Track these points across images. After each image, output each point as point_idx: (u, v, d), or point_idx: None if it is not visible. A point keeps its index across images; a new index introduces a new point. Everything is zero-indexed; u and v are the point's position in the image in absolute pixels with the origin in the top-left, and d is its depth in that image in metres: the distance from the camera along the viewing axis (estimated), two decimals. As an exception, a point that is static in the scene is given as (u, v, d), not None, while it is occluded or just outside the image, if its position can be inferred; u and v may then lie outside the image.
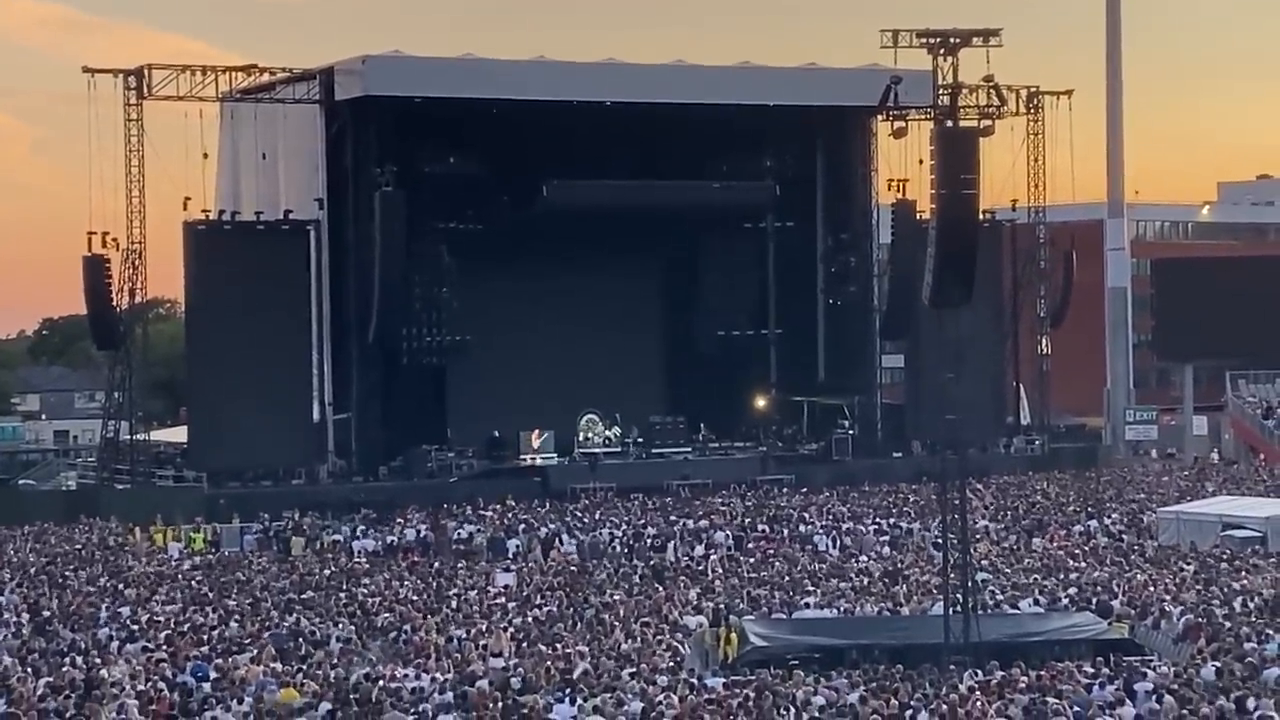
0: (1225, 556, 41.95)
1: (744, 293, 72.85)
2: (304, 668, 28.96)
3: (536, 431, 65.19)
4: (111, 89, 61.39)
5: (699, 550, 47.62)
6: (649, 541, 49.48)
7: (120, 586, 40.65)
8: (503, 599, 38.27)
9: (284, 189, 64.21)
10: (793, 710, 24.73)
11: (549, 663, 28.77)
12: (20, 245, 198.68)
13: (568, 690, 25.91)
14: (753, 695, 25.40)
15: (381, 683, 26.61)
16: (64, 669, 28.32)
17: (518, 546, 49.43)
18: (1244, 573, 38.97)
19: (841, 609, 35.99)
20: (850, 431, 69.03)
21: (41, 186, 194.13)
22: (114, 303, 62.41)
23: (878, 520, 52.78)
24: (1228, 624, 31.81)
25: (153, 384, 75.64)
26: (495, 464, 64.44)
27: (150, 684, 26.91)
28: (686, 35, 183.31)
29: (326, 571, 43.79)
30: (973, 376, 36.96)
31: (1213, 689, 25.44)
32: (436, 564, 46.03)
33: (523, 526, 52.71)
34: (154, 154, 61.83)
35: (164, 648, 30.84)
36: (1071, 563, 42.39)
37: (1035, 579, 39.48)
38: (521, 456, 64.84)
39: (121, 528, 54.50)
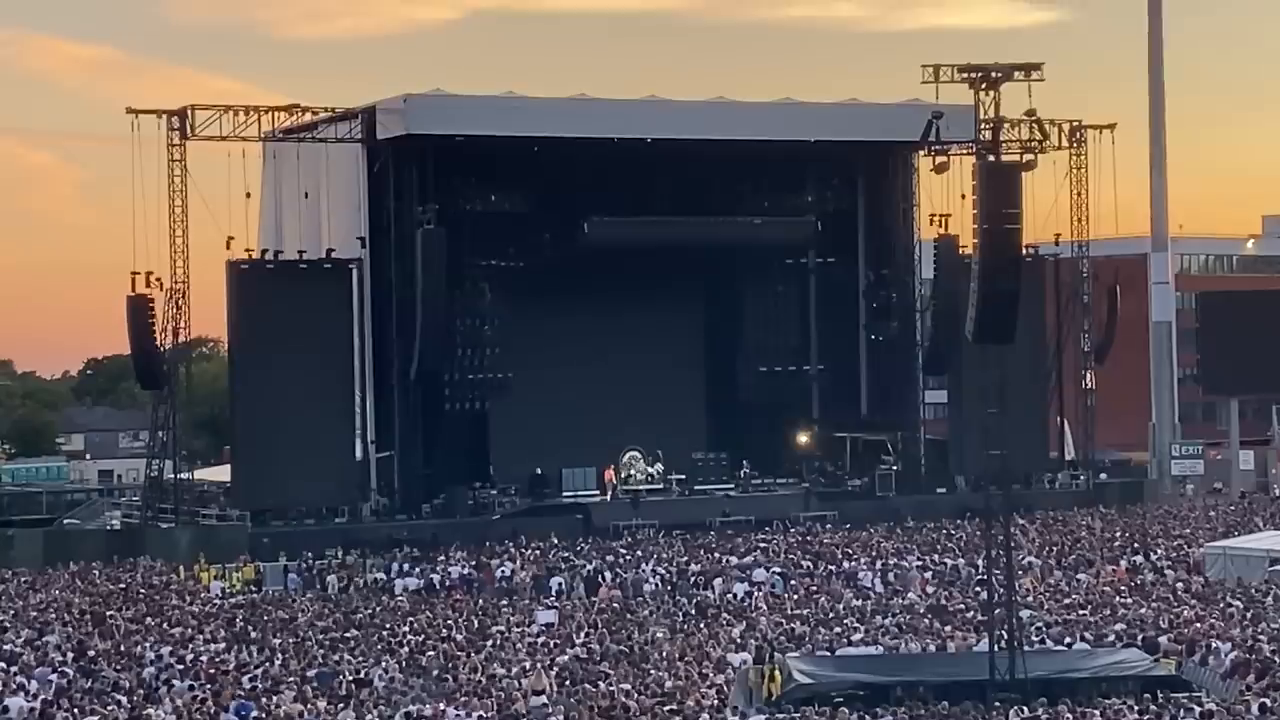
0: (1273, 592, 41.58)
1: (786, 328, 72.80)
2: (348, 707, 28.89)
3: (611, 468, 64.96)
4: (155, 130, 61.60)
5: (742, 587, 47.44)
6: (692, 579, 49.32)
7: (164, 626, 40.69)
8: (545, 637, 38.18)
9: (326, 228, 64.44)
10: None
11: (592, 701, 28.64)
12: (65, 286, 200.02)
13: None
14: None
15: (425, 721, 26.53)
16: (109, 708, 28.32)
17: (560, 584, 49.34)
18: (1292, 608, 38.64)
19: (886, 646, 35.79)
20: (894, 467, 68.87)
21: (86, 227, 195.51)
22: (158, 342, 62.61)
23: (922, 556, 52.54)
24: (1276, 660, 31.51)
25: (196, 423, 75.93)
26: (537, 501, 64.43)
27: (194, 723, 26.91)
28: (727, 71, 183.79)
29: (369, 610, 43.75)
30: (1016, 412, 36.73)
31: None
32: (479, 602, 45.95)
33: (566, 564, 52.64)
34: (197, 194, 62.07)
35: (208, 687, 30.83)
36: (1118, 599, 42.10)
37: (1081, 615, 39.23)
38: (565, 493, 64.74)
39: (165, 567, 54.57)
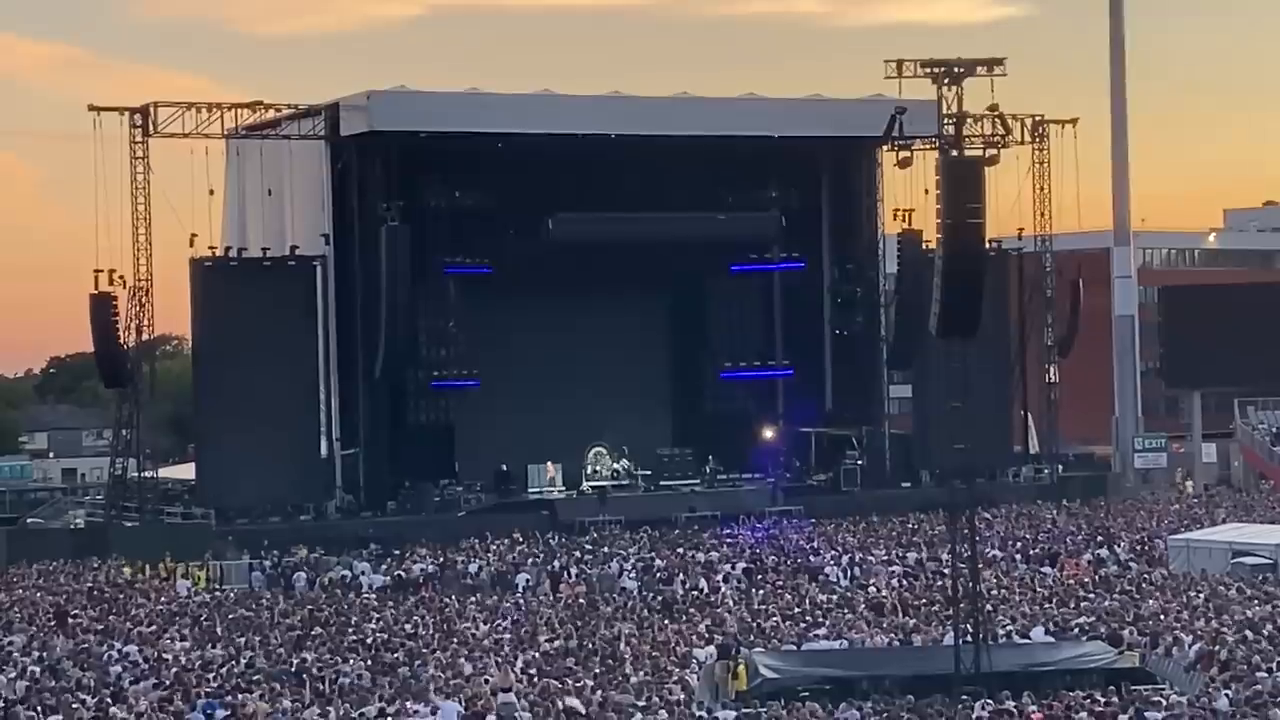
0: (1236, 584, 41.80)
1: (750, 324, 72.86)
2: (314, 705, 28.83)
3: (550, 464, 65.10)
4: (117, 127, 61.46)
5: (708, 583, 47.48)
6: (658, 574, 49.36)
7: (129, 625, 40.56)
8: (511, 633, 38.17)
9: (290, 225, 64.32)
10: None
11: (558, 697, 28.64)
12: (27, 284, 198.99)
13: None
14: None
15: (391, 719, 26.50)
16: (74, 708, 28.21)
17: (526, 580, 49.34)
18: (1255, 600, 38.84)
19: (851, 640, 35.87)
20: (858, 462, 68.98)
21: (48, 225, 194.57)
22: (121, 340, 62.41)
23: (887, 551, 52.66)
24: (1240, 651, 31.67)
25: (160, 421, 75.60)
26: (503, 498, 64.44)
27: (159, 722, 26.82)
28: (691, 67, 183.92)
29: (335, 607, 43.68)
30: (980, 406, 36.81)
31: (1225, 718, 25.32)
32: (445, 599, 45.91)
33: (531, 560, 52.64)
34: (160, 191, 61.94)
35: (173, 686, 30.74)
36: (1082, 591, 42.26)
37: (1046, 608, 39.36)
38: (530, 490, 64.83)
39: (130, 566, 54.41)
